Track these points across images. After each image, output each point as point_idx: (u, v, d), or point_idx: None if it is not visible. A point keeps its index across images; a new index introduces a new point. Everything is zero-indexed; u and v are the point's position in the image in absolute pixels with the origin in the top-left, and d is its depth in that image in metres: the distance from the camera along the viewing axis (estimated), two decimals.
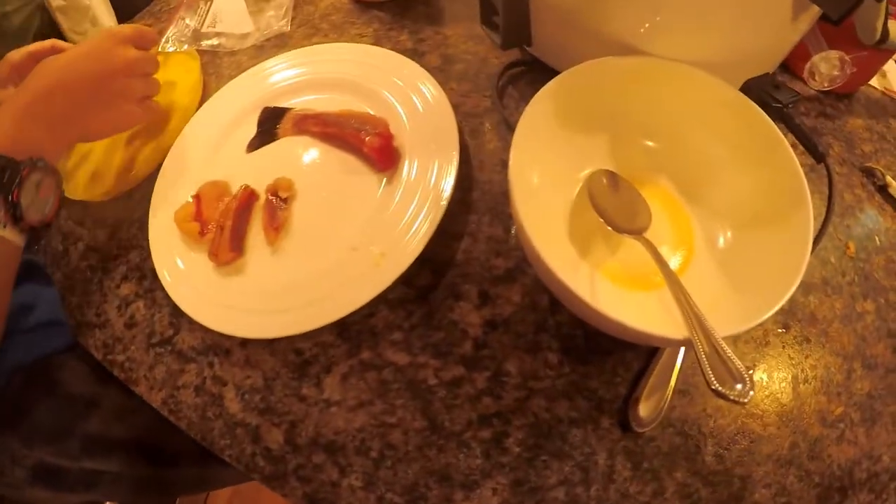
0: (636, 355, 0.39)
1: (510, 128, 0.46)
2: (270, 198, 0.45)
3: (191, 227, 0.45)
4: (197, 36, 0.63)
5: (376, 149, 0.43)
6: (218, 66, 0.63)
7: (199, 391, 0.43)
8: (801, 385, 0.39)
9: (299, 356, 0.42)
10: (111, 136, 0.49)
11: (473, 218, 0.45)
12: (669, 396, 0.37)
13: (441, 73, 0.53)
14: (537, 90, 0.38)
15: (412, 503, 0.36)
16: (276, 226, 0.44)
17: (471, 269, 0.43)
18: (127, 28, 0.51)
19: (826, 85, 0.45)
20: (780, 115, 0.40)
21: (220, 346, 0.43)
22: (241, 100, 0.53)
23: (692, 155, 0.41)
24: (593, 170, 0.41)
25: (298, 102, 0.52)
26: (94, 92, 0.47)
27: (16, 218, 0.40)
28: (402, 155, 0.45)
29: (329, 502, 0.37)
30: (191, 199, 0.47)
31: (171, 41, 0.63)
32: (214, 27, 0.62)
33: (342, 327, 0.42)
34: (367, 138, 0.44)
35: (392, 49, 0.54)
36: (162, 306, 0.47)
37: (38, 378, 0.42)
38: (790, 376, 0.39)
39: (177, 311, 0.46)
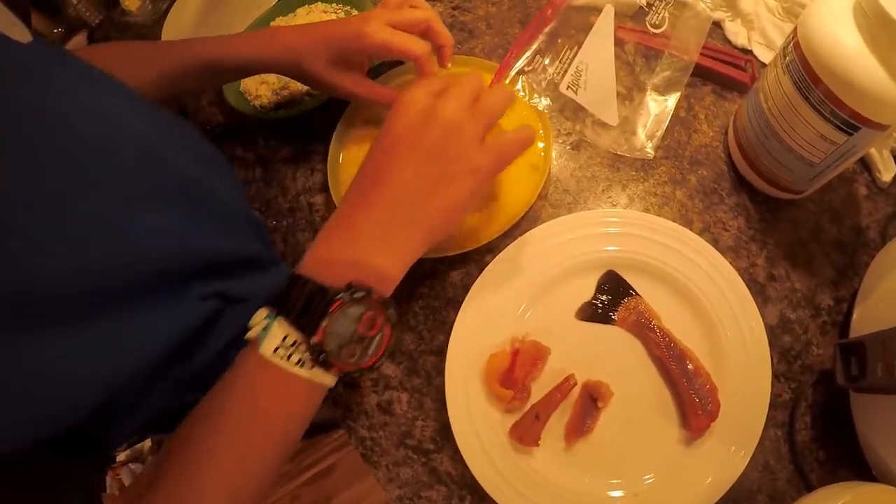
0: None
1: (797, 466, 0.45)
2: (589, 399, 0.46)
3: (502, 393, 0.44)
4: (552, 89, 0.53)
5: (702, 428, 0.44)
6: (560, 144, 0.54)
7: None
8: None
9: None
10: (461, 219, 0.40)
11: None
12: None
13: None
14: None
15: None
16: (582, 431, 0.45)
17: None
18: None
19: None
20: None
21: (479, 490, 0.47)
22: (590, 244, 0.49)
23: None
24: None
25: (639, 284, 0.49)
26: (423, 177, 0.36)
27: (321, 362, 0.33)
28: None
29: None
30: (507, 350, 0.46)
31: (522, 82, 0.53)
32: (576, 91, 0.53)
33: None
34: (699, 412, 0.44)
35: (744, 269, 0.50)
36: (429, 418, 0.48)
37: None
38: None
39: (444, 431, 0.47)
